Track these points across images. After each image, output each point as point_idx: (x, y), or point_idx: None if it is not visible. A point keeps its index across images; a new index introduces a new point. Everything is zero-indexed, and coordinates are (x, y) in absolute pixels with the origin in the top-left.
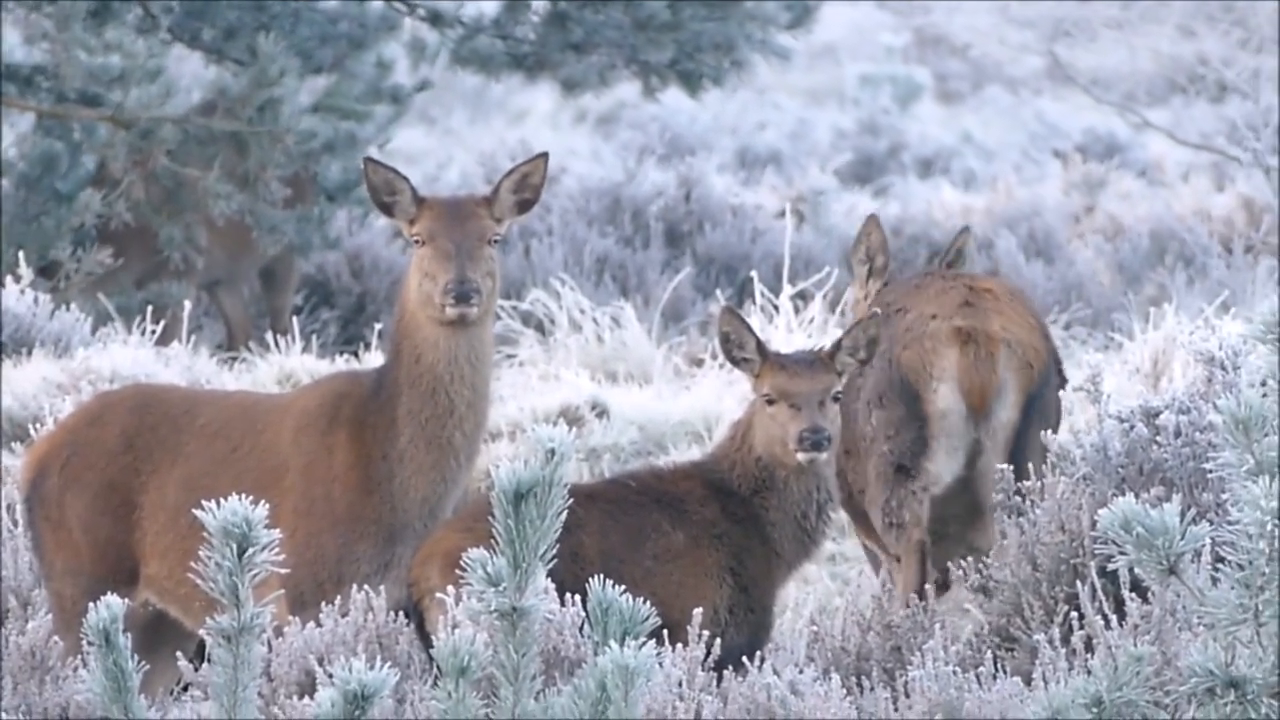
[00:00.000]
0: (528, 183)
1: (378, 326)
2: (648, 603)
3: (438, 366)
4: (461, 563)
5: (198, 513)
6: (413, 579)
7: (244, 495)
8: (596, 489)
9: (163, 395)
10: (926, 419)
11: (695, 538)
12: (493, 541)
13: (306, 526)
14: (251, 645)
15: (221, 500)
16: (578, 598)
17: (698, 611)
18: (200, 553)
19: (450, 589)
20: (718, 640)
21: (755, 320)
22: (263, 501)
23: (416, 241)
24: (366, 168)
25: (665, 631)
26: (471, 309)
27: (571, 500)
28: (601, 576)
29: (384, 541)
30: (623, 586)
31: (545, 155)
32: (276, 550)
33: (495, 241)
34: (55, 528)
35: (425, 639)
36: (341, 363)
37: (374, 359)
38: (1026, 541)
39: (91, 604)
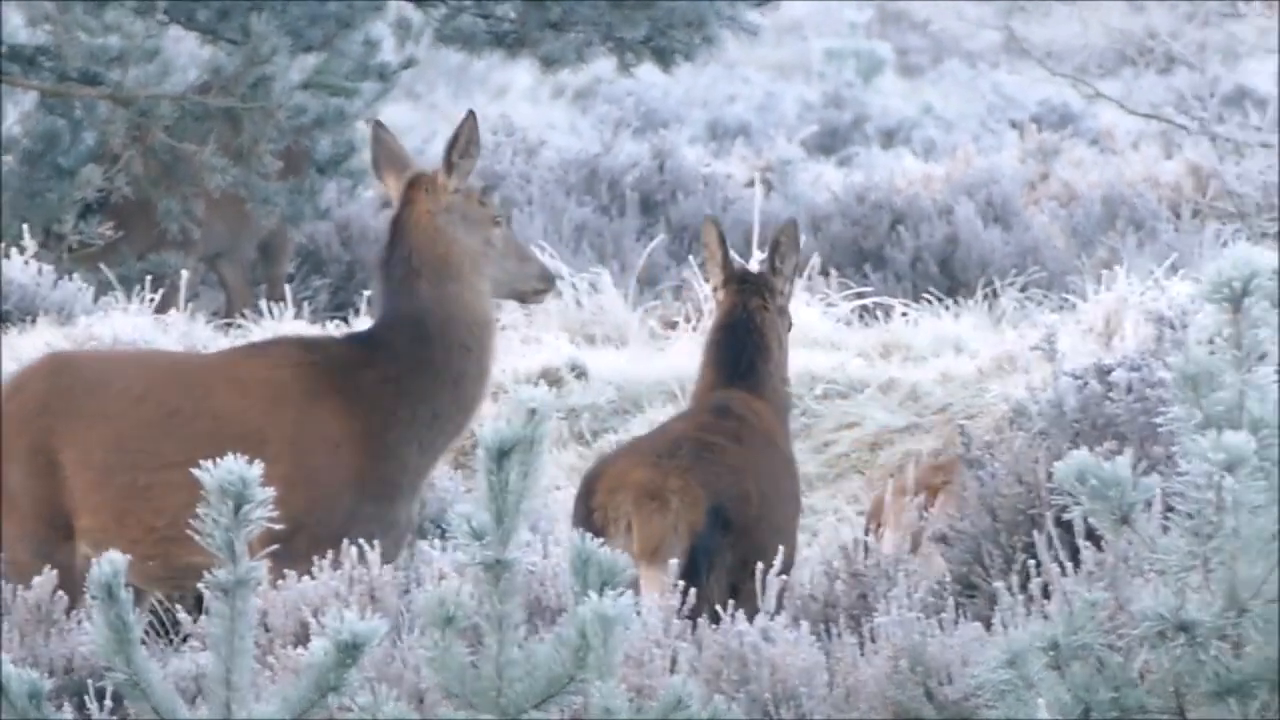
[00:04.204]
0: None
1: (366, 293)
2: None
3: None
4: (652, 494)
5: (195, 472)
6: (598, 505)
7: (204, 459)
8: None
9: (75, 361)
10: None
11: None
12: (680, 478)
13: (307, 493)
14: (247, 598)
15: (174, 464)
16: (558, 550)
17: (673, 562)
18: (136, 512)
19: (640, 518)
20: (694, 589)
21: None
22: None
23: None
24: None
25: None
26: None
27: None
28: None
29: (389, 502)
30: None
31: (472, 112)
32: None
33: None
34: (5, 496)
35: None
36: (333, 327)
37: (364, 324)
38: (986, 493)
39: (41, 563)
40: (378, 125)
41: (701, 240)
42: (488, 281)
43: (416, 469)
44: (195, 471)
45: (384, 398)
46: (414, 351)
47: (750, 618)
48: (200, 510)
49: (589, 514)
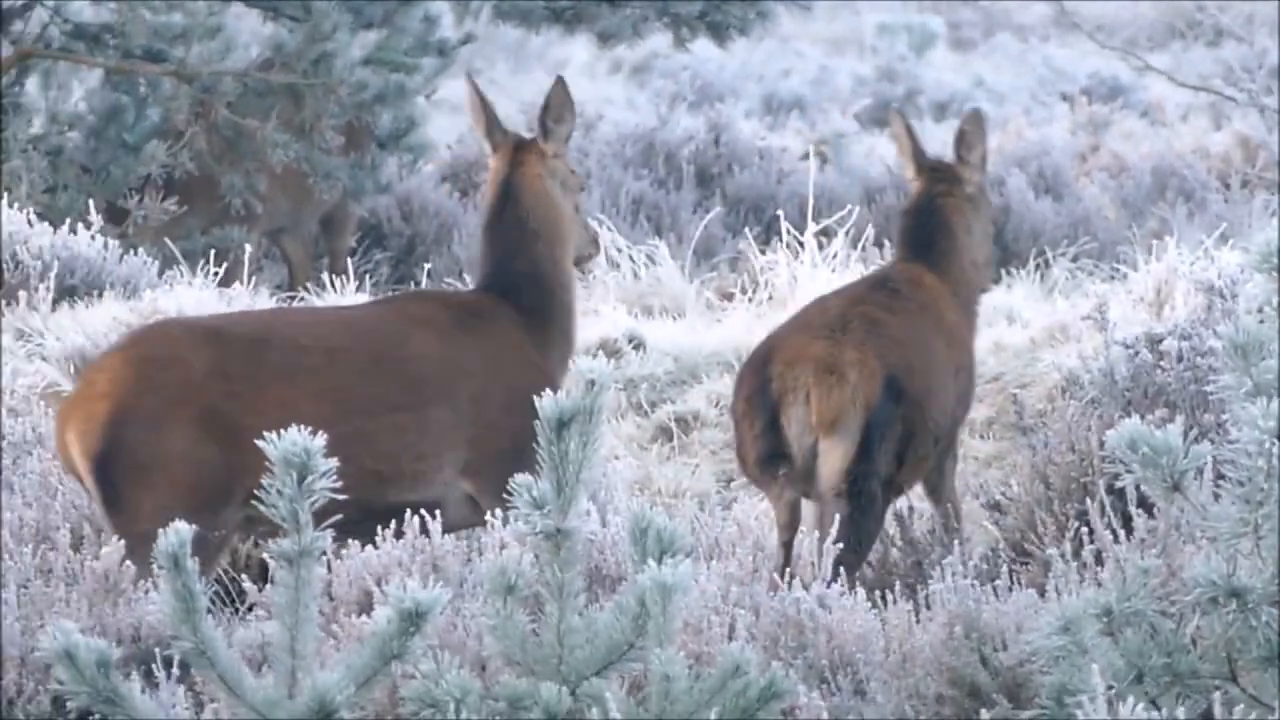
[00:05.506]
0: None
1: (427, 266)
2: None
3: None
4: (830, 368)
5: (259, 443)
6: (778, 376)
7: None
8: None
9: (221, 327)
10: None
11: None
12: (856, 350)
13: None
14: (311, 567)
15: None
16: (617, 519)
17: (724, 530)
18: (356, 458)
19: (819, 391)
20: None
21: (781, 256)
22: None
23: None
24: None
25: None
26: None
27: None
28: None
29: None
30: None
31: (561, 78)
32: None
33: None
34: (143, 472)
35: (778, 438)
36: None
37: None
38: (1039, 461)
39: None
40: (470, 79)
41: (891, 134)
42: (573, 246)
43: None
44: (264, 443)
45: (532, 335)
46: (537, 305)
47: (939, 502)
48: (265, 481)
49: (765, 383)
